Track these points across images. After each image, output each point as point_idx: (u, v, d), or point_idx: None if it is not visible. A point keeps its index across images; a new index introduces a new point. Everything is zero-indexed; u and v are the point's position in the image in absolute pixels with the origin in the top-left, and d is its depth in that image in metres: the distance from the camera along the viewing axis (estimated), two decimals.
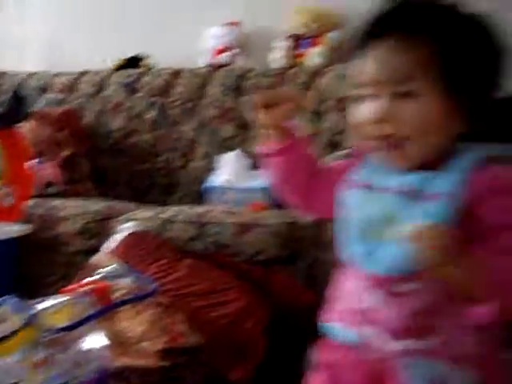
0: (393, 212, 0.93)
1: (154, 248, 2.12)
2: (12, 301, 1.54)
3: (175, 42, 3.54)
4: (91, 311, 1.56)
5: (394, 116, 0.93)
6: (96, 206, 2.56)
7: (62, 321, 1.52)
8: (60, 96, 3.49)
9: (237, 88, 3.06)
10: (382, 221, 0.93)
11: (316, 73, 2.93)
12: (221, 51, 3.33)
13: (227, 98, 3.06)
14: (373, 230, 0.94)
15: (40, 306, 1.54)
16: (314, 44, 3.11)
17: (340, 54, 3.02)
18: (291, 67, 3.07)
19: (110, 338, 1.79)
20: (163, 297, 1.86)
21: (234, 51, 3.31)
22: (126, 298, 1.69)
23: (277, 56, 3.16)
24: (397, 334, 0.92)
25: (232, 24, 3.35)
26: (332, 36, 3.07)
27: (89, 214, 2.46)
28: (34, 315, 1.49)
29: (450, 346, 0.90)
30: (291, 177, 1.11)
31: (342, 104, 2.69)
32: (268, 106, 1.05)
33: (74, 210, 2.50)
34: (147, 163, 3.12)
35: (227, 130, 2.99)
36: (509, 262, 0.85)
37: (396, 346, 0.92)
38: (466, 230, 0.88)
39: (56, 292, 1.74)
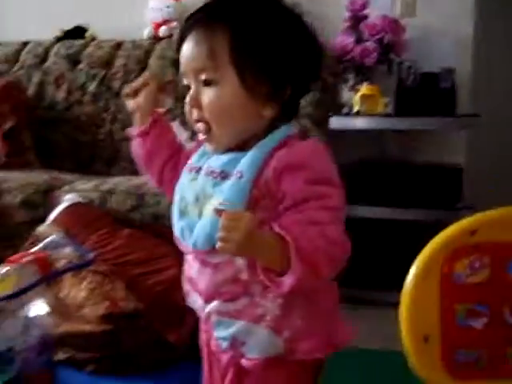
0: (203, 192, 1.01)
1: (94, 218, 2.22)
2: None
3: (118, 14, 3.57)
4: (33, 280, 1.66)
5: (199, 102, 1.00)
6: (39, 177, 2.63)
7: (7, 289, 1.61)
8: (2, 67, 3.50)
9: (177, 61, 3.12)
10: (194, 200, 1.02)
11: None
12: (161, 24, 3.39)
13: (167, 70, 3.13)
14: (188, 208, 1.02)
15: None
16: None
17: None
18: None
19: (52, 306, 1.89)
20: (103, 265, 1.97)
21: (173, 24, 3.37)
22: (66, 267, 1.80)
23: None
24: (208, 298, 1.03)
25: None
26: None
27: (32, 185, 2.53)
28: None
29: (251, 309, 0.99)
30: (150, 159, 1.17)
31: None
32: (135, 93, 1.13)
33: (16, 182, 2.56)
34: (89, 135, 3.17)
35: (167, 102, 3.06)
36: (308, 233, 0.92)
37: (208, 307, 1.03)
38: (267, 205, 0.96)
39: (1, 262, 1.83)
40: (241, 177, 0.97)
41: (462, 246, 1.01)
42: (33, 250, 1.80)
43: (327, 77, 2.73)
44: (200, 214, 1.00)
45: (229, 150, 1.03)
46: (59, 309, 1.94)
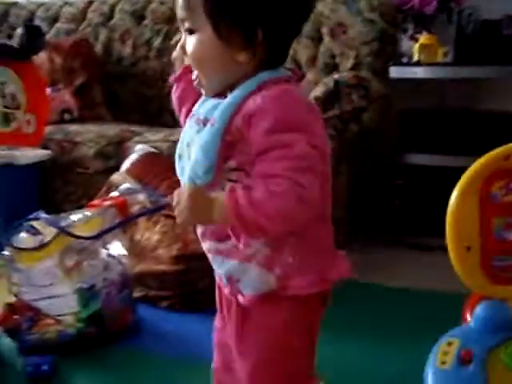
0: (190, 138, 1.05)
1: (165, 167, 2.34)
2: (44, 215, 1.78)
3: None
4: (114, 222, 1.80)
5: (186, 50, 1.04)
6: (110, 130, 2.77)
7: (90, 231, 1.76)
8: (70, 26, 3.64)
9: None
10: (186, 145, 1.06)
11: None
12: None
13: None
14: (183, 152, 1.08)
15: (70, 219, 1.78)
16: None
17: None
18: None
19: (128, 248, 2.04)
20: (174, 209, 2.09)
21: None
22: (141, 211, 1.93)
23: None
24: (205, 236, 1.07)
25: None
26: None
27: (104, 137, 2.68)
28: (66, 226, 1.73)
29: (242, 249, 1.02)
30: (179, 104, 1.19)
31: (336, 30, 2.84)
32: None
33: (90, 135, 2.71)
34: (155, 89, 3.29)
35: None
36: (256, 190, 0.94)
37: (206, 245, 1.08)
38: (244, 149, 0.98)
39: (79, 208, 1.98)
40: (213, 124, 0.99)
41: (497, 170, 1.14)
42: (110, 195, 1.94)
43: (386, 27, 2.76)
44: (189, 158, 1.05)
45: (218, 96, 1.05)
46: (134, 250, 2.09)
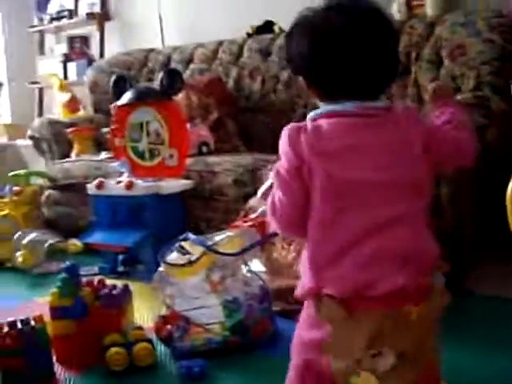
0: None
1: None
2: (192, 236, 2.00)
3: (298, 6, 3.85)
4: (254, 241, 1.99)
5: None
6: (245, 160, 2.99)
7: (233, 249, 1.96)
8: (203, 65, 3.94)
9: None
10: None
11: (432, 23, 3.14)
12: None
13: None
14: None
15: (215, 239, 1.99)
16: None
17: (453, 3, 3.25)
18: (409, 19, 3.31)
19: (266, 266, 2.22)
20: None
21: None
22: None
23: (395, 10, 3.42)
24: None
25: None
26: None
27: (240, 166, 2.90)
28: (211, 245, 1.93)
29: None
30: None
31: (455, 51, 2.92)
32: None
33: (227, 165, 2.95)
34: (285, 119, 3.49)
35: None
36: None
37: None
38: None
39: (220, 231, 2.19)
40: None
41: None
42: (250, 217, 2.14)
43: (506, 45, 2.82)
44: None
45: None
46: (272, 268, 2.27)
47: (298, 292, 1.20)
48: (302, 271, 1.19)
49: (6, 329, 1.83)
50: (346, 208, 1.13)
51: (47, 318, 1.94)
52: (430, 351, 1.18)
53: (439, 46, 3.01)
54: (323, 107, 1.19)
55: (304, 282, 1.17)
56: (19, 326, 1.85)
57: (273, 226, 1.22)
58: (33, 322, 1.86)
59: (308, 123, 1.18)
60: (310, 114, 1.20)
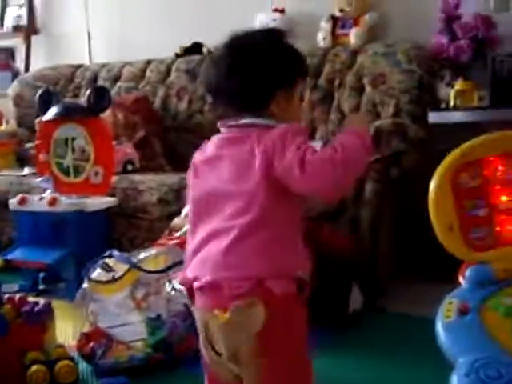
0: None
1: None
2: (117, 253, 2.01)
3: (229, 29, 3.92)
4: (178, 259, 2.01)
5: None
6: (170, 179, 3.02)
7: (157, 267, 1.98)
8: (130, 84, 3.95)
9: None
10: None
11: (355, 52, 3.27)
12: None
13: None
14: None
15: (139, 256, 2.01)
16: (353, 25, 3.47)
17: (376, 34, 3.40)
18: (333, 47, 3.43)
19: None
20: None
21: None
22: None
23: (320, 37, 3.53)
24: None
25: (278, 10, 3.73)
26: (369, 17, 3.42)
27: (165, 185, 2.92)
28: (136, 262, 1.95)
29: None
30: None
31: (377, 80, 3.05)
32: None
33: (152, 184, 2.96)
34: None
35: None
36: None
37: None
38: None
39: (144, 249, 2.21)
40: None
41: (460, 164, 1.46)
42: (175, 235, 2.17)
43: (424, 75, 2.96)
44: None
45: None
46: None
47: None
48: None
49: None
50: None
51: None
52: (249, 366, 1.22)
53: (361, 73, 3.14)
54: None
55: None
56: None
57: None
58: None
59: None
60: None
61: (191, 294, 1.28)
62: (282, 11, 3.72)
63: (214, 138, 1.32)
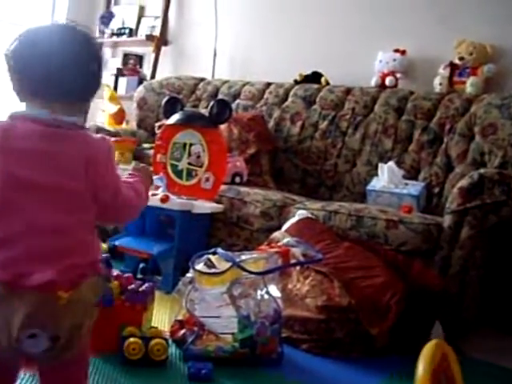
0: None
1: (319, 231, 2.70)
2: (222, 251, 2.17)
3: (350, 63, 4.09)
4: (276, 265, 2.16)
5: None
6: (275, 195, 3.18)
7: (257, 269, 2.13)
8: (248, 102, 4.16)
9: (399, 108, 3.56)
10: None
11: (470, 100, 3.35)
12: (388, 74, 3.85)
13: (390, 116, 3.57)
14: None
15: (241, 257, 2.16)
16: (470, 74, 3.55)
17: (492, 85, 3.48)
18: (448, 93, 3.52)
19: (282, 293, 2.38)
20: (324, 267, 2.43)
21: (399, 75, 3.82)
22: (298, 261, 2.28)
23: (437, 82, 3.64)
24: None
25: (399, 51, 3.86)
26: (487, 68, 3.50)
27: (269, 201, 3.08)
28: (238, 261, 2.11)
29: None
30: None
31: (487, 130, 3.13)
32: None
33: (257, 197, 3.13)
34: (317, 165, 3.70)
35: (387, 143, 3.50)
36: None
37: None
38: None
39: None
40: None
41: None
42: (277, 244, 2.32)
43: None
44: None
45: None
46: (286, 296, 2.43)
47: None
48: None
49: None
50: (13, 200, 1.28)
51: None
52: (84, 337, 1.32)
53: (473, 122, 3.22)
54: (21, 110, 1.36)
55: None
56: None
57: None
58: None
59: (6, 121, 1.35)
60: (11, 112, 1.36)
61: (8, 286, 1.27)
62: (403, 52, 3.85)
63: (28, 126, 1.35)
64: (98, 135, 1.41)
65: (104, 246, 3.36)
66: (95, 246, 1.37)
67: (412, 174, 3.35)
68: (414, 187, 3.17)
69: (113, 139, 4.03)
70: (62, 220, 1.29)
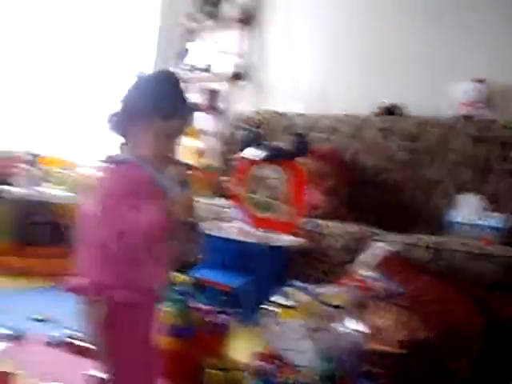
0: None
1: (398, 264, 2.69)
2: (299, 283, 2.20)
3: (427, 93, 4.06)
4: (357, 299, 2.17)
5: None
6: (353, 228, 3.19)
7: (335, 302, 2.14)
8: (324, 135, 4.18)
9: (479, 138, 3.51)
10: None
11: None
12: (467, 104, 3.80)
13: (469, 146, 3.52)
14: None
15: (318, 290, 2.18)
16: None
17: None
18: None
19: (362, 327, 2.37)
20: (404, 300, 2.42)
21: (479, 105, 3.77)
22: (378, 295, 2.28)
23: None
24: None
25: (478, 80, 3.81)
26: None
27: (349, 234, 3.09)
28: (316, 294, 2.13)
29: None
30: None
31: None
32: None
33: (336, 230, 3.14)
34: (394, 197, 3.68)
35: (467, 174, 3.45)
36: None
37: None
38: None
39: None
40: None
41: None
42: (356, 278, 2.32)
43: None
44: None
45: None
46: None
47: None
48: None
49: None
50: None
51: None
52: None
53: None
54: None
55: None
56: None
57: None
58: None
59: None
60: None
61: None
62: (481, 81, 3.80)
63: None
64: None
65: (185, 277, 3.44)
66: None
67: (492, 204, 3.29)
68: (495, 219, 3.12)
69: (190, 172, 4.16)
70: None
